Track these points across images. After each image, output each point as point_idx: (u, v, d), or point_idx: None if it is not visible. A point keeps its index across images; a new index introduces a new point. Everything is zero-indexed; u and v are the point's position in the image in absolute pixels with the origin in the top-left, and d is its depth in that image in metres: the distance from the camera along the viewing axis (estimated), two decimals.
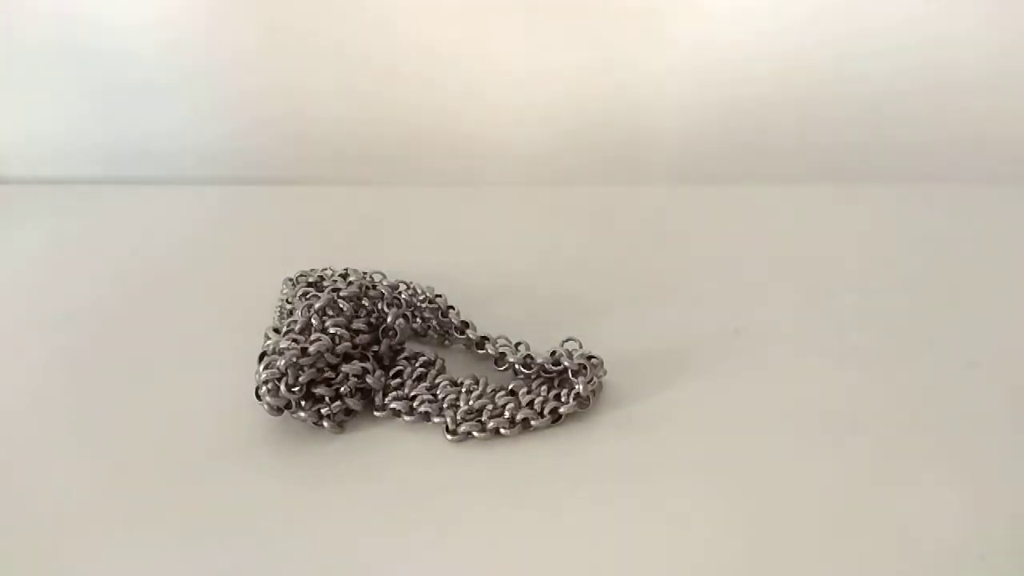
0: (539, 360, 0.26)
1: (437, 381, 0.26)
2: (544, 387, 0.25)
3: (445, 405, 0.25)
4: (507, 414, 0.24)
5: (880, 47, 0.40)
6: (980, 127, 0.41)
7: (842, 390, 0.26)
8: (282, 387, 0.24)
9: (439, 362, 0.27)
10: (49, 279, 0.33)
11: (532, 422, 0.24)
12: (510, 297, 0.30)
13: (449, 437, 0.24)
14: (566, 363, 0.26)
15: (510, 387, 0.25)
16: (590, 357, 0.26)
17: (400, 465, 0.24)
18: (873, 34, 0.40)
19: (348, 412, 0.25)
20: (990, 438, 0.24)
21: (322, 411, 0.24)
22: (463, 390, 0.25)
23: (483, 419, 0.24)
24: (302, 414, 0.24)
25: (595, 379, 0.25)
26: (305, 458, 0.24)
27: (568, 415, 0.25)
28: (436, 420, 0.25)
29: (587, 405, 0.25)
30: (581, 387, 0.25)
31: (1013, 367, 0.27)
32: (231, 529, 0.22)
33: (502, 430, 0.24)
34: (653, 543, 0.21)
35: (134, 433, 0.25)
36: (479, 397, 0.25)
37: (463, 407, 0.24)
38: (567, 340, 0.26)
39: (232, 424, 0.25)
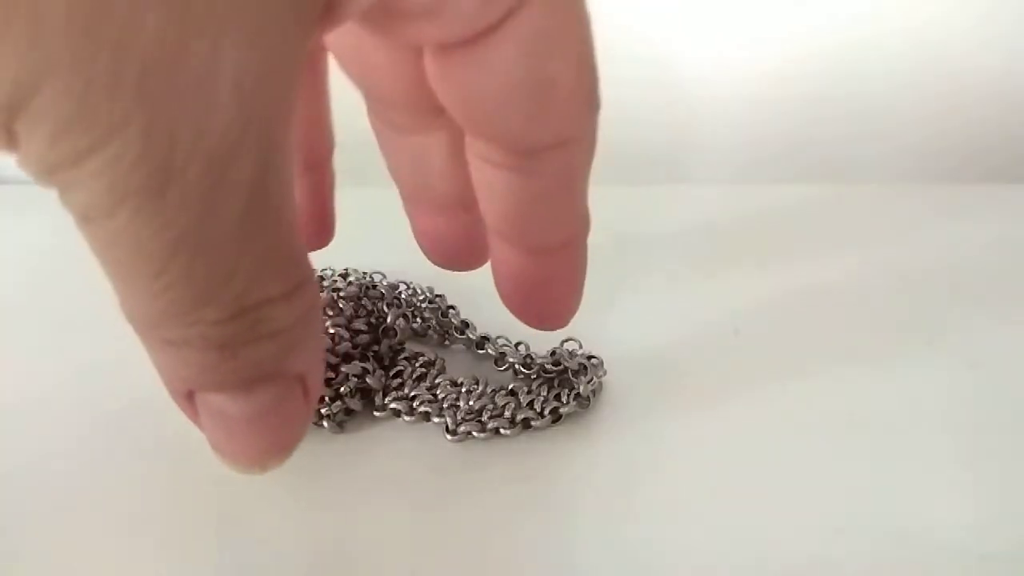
0: (539, 360, 0.26)
1: (437, 381, 0.26)
2: (544, 387, 0.25)
3: (445, 405, 0.25)
4: (507, 414, 0.24)
5: (879, 46, 0.40)
6: (980, 127, 0.41)
7: (842, 390, 0.26)
8: None
9: (439, 362, 0.27)
10: (49, 279, 0.33)
11: (532, 422, 0.24)
12: None
13: (449, 437, 0.24)
14: (566, 363, 0.26)
15: (510, 387, 0.25)
16: (590, 357, 0.26)
17: (400, 465, 0.24)
18: (871, 33, 0.40)
19: (348, 412, 0.25)
20: (991, 439, 0.24)
21: (322, 411, 0.24)
22: (463, 390, 0.25)
23: (483, 419, 0.24)
24: None
25: (595, 379, 0.25)
26: (305, 458, 0.24)
27: (568, 415, 0.25)
28: (436, 420, 0.25)
29: (587, 405, 0.25)
30: (581, 387, 0.25)
31: (1015, 368, 0.27)
32: (230, 528, 0.22)
33: (502, 430, 0.24)
34: (653, 543, 0.21)
35: (134, 432, 0.25)
36: (479, 397, 0.25)
37: (463, 407, 0.24)
38: (567, 340, 0.26)
39: None
